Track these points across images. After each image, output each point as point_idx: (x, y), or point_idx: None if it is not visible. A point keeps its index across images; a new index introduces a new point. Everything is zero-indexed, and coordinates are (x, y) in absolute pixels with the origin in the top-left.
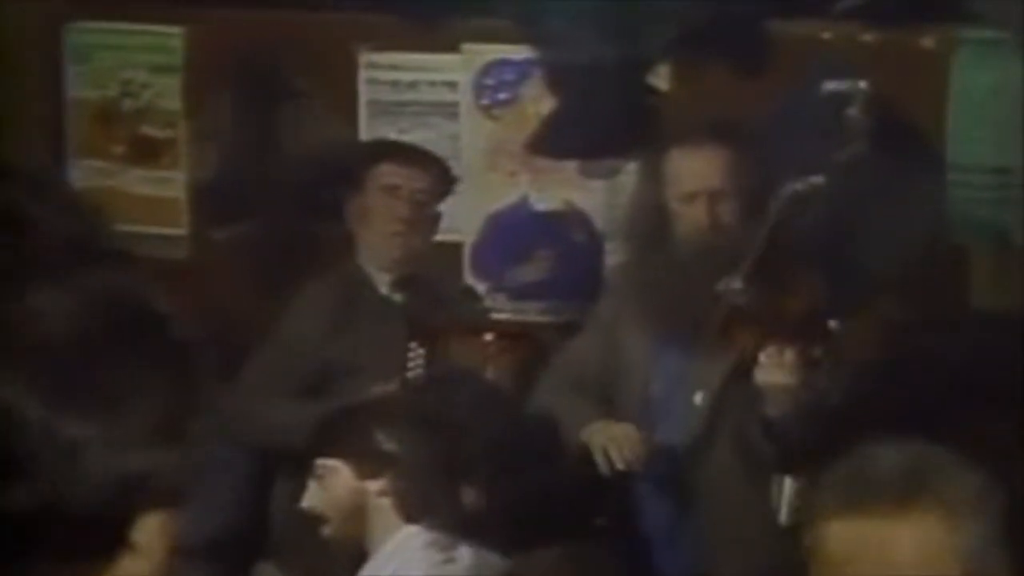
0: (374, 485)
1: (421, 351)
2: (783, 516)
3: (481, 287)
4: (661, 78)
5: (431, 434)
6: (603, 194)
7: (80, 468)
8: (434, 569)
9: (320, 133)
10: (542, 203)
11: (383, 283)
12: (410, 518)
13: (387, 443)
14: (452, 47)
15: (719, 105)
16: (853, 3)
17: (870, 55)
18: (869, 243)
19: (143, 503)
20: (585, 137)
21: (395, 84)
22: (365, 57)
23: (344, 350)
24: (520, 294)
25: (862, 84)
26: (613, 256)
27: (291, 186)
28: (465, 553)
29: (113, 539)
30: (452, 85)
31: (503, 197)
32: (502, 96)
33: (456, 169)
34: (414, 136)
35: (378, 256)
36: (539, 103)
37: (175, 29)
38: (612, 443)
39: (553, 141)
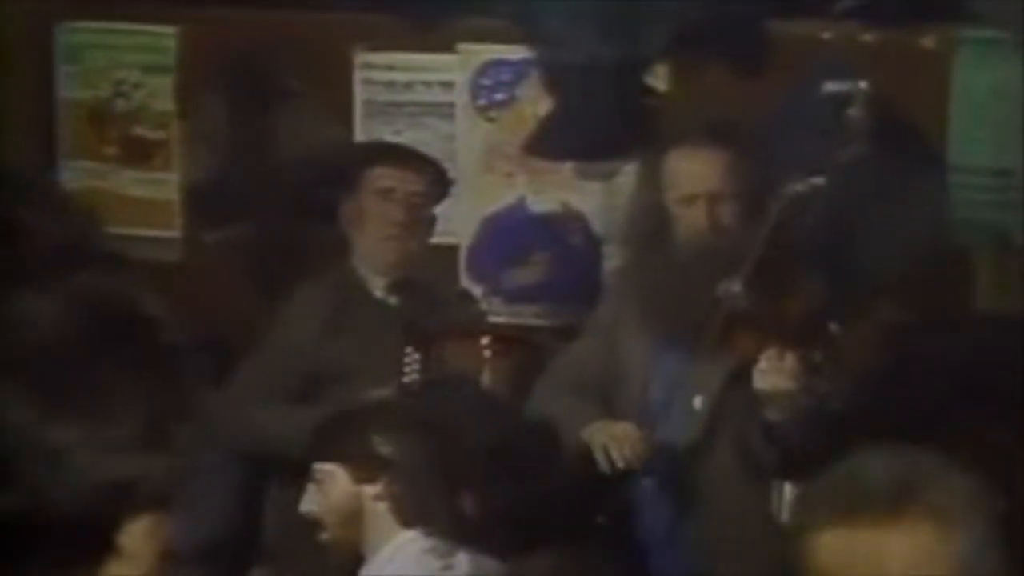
0: (371, 489)
1: (417, 355)
2: (783, 521)
3: (477, 290)
4: (660, 78)
5: (427, 438)
6: (601, 196)
7: (67, 472)
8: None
9: (315, 134)
10: (539, 205)
11: (378, 287)
12: (407, 523)
13: (383, 447)
14: (448, 47)
15: (718, 105)
16: (853, 3)
17: (870, 55)
18: (869, 245)
19: (131, 508)
20: (583, 138)
21: (390, 84)
22: (360, 57)
23: (339, 354)
24: (516, 297)
25: (862, 84)
26: (611, 259)
27: (285, 188)
28: (463, 559)
29: (101, 544)
30: (448, 85)
31: (499, 199)
32: (499, 97)
33: (452, 171)
34: (409, 137)
35: (373, 259)
36: (536, 104)
37: (168, 29)
38: (613, 442)
39: (550, 142)
